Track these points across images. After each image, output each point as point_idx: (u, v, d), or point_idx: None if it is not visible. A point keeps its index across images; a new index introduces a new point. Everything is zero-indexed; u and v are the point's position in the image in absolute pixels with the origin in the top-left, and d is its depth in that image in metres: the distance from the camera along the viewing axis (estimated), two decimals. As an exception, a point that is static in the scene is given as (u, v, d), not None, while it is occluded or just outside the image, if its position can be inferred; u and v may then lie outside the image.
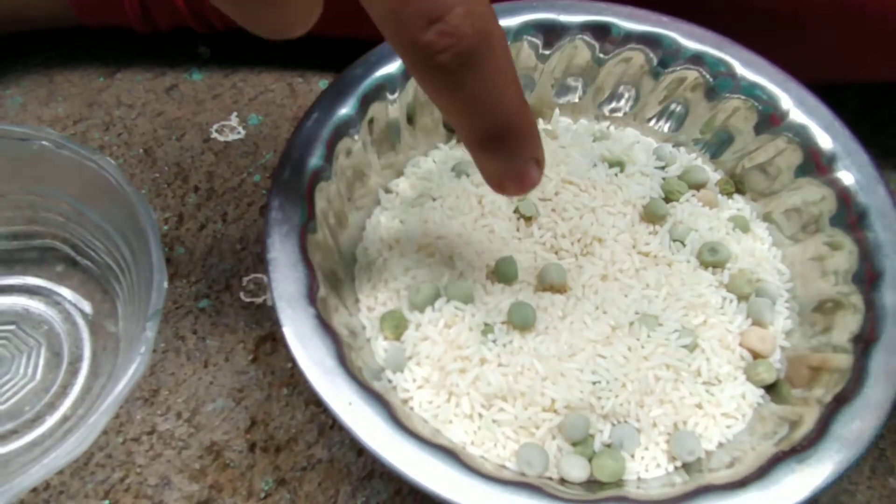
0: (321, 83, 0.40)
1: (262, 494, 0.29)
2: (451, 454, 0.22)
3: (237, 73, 0.40)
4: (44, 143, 0.29)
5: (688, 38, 0.31)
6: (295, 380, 0.31)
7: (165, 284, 0.26)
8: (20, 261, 0.32)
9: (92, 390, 0.30)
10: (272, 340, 0.32)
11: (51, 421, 0.29)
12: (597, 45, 0.32)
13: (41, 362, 0.30)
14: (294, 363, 0.24)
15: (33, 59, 0.39)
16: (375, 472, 0.29)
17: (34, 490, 0.28)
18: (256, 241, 0.35)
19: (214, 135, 0.37)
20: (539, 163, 0.22)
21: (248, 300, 0.33)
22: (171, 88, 0.39)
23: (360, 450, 0.30)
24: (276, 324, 0.32)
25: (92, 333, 0.31)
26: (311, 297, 0.25)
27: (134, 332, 0.28)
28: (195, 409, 0.30)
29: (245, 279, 0.33)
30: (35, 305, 0.32)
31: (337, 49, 0.40)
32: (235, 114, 0.38)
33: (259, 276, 0.34)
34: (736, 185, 0.32)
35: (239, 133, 0.38)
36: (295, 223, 0.26)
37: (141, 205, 0.28)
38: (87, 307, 0.32)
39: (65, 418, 0.29)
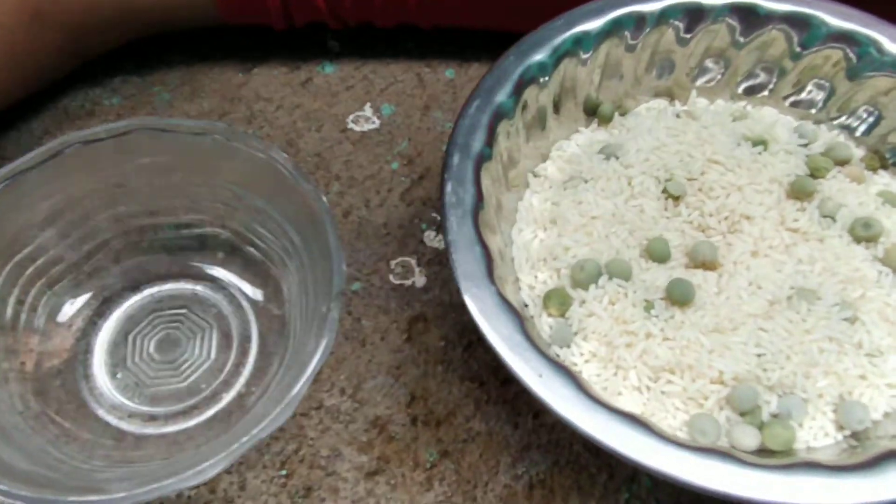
0: (448, 72, 0.41)
1: (428, 465, 0.30)
2: (644, 425, 0.23)
3: (367, 65, 0.41)
4: (216, 136, 0.31)
5: (834, 16, 0.31)
6: (448, 357, 0.33)
7: (345, 267, 0.28)
8: (184, 248, 0.34)
9: (264, 370, 0.32)
10: (424, 321, 0.34)
11: (227, 398, 0.31)
12: (738, 28, 0.32)
13: (214, 343, 0.32)
14: (481, 340, 0.25)
15: (175, 57, 0.41)
16: (532, 443, 0.31)
17: (217, 461, 0.30)
18: (399, 226, 0.36)
19: (351, 125, 0.39)
20: None
21: (397, 282, 0.35)
22: (305, 82, 0.41)
23: (516, 423, 0.31)
24: (424, 301, 0.33)
25: (257, 315, 0.33)
26: (491, 275, 0.26)
27: (310, 314, 0.29)
28: (357, 385, 0.32)
29: (392, 262, 0.35)
30: (202, 290, 0.34)
31: (459, 38, 0.41)
32: (369, 104, 0.40)
33: (406, 259, 0.35)
34: (881, 160, 0.32)
35: (374, 123, 0.39)
36: (468, 206, 0.27)
37: (314, 193, 0.29)
38: (249, 291, 0.33)
39: (240, 395, 0.31)
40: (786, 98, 0.34)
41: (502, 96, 0.30)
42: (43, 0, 0.35)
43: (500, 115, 0.30)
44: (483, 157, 0.28)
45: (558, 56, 0.31)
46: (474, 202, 0.27)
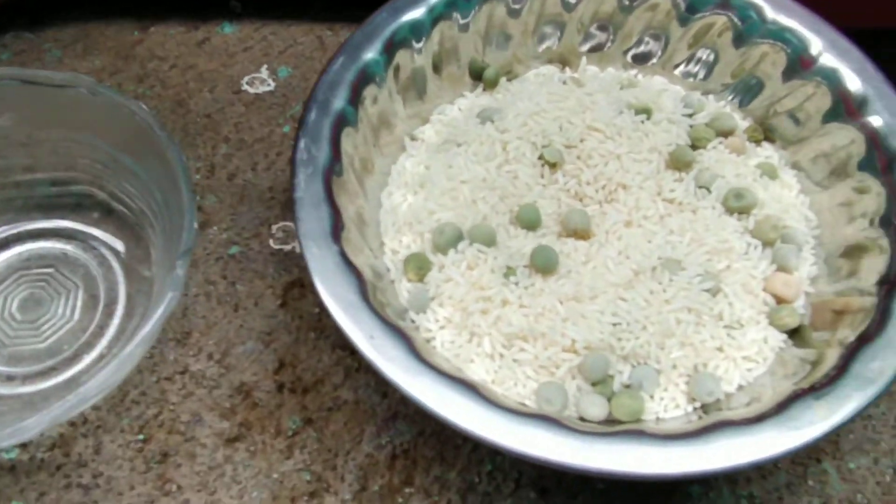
0: (350, 36, 0.40)
1: (290, 433, 0.30)
2: (471, 388, 0.23)
3: (267, 26, 0.40)
4: (80, 89, 0.30)
5: (716, -19, 0.30)
6: (322, 324, 0.32)
7: (195, 224, 0.27)
8: (58, 206, 0.33)
9: (126, 331, 0.31)
10: (300, 286, 0.33)
11: (87, 359, 0.31)
12: (624, -9, 0.31)
13: (79, 304, 0.31)
14: (318, 299, 0.24)
15: (70, 13, 0.40)
16: (399, 413, 0.30)
17: (73, 424, 0.29)
18: (285, 191, 0.35)
19: (245, 87, 0.38)
20: None
21: (276, 247, 0.34)
22: (202, 42, 0.39)
23: (384, 392, 0.30)
24: (302, 267, 0.33)
25: (126, 277, 0.32)
26: (336, 235, 0.25)
27: (166, 273, 0.28)
28: (225, 350, 0.31)
29: (274, 227, 0.34)
30: (72, 250, 0.33)
31: (366, 2, 0.40)
32: (265, 66, 0.39)
33: (288, 224, 0.34)
34: (765, 132, 0.31)
35: (269, 85, 0.38)
36: (320, 165, 0.26)
37: (172, 148, 0.28)
38: (122, 251, 0.32)
39: (101, 357, 0.31)
40: (677, 66, 0.33)
41: (371, 54, 0.29)
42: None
43: (367, 76, 0.29)
44: (345, 117, 0.28)
45: (434, 17, 0.30)
46: (329, 162, 0.27)
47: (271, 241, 0.34)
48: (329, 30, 0.40)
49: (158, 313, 0.25)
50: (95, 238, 0.33)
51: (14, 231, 0.33)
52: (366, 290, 0.24)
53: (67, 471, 0.29)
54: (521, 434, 0.22)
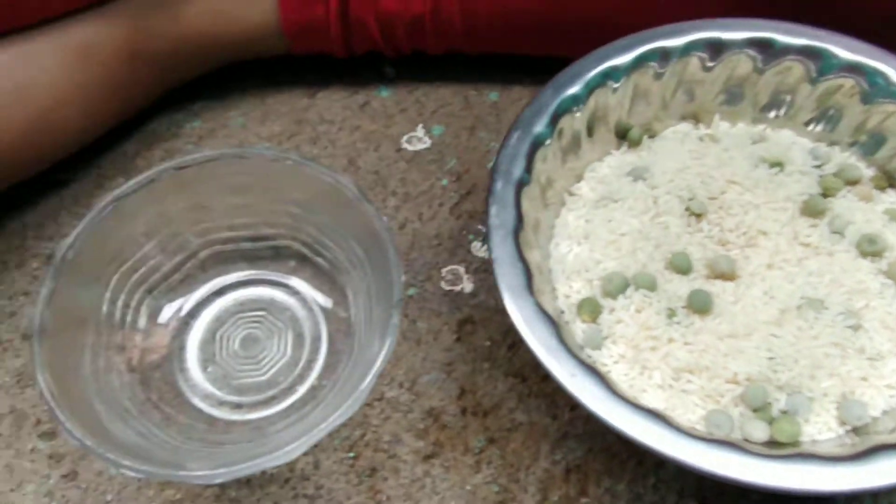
0: (492, 95, 0.45)
1: (477, 450, 0.35)
2: (660, 417, 0.27)
3: (419, 88, 0.45)
4: (288, 162, 0.36)
5: (844, 49, 0.34)
6: (494, 355, 0.37)
7: (402, 279, 0.32)
8: (259, 258, 0.39)
9: (333, 366, 0.36)
10: (471, 323, 0.38)
11: (301, 390, 0.36)
12: (759, 58, 0.35)
13: (289, 342, 0.37)
14: (522, 342, 0.29)
15: (248, 84, 0.46)
16: (569, 433, 0.35)
17: (295, 444, 0.35)
18: (449, 237, 0.40)
19: (405, 145, 0.43)
20: None
21: (447, 288, 0.39)
22: (364, 105, 0.45)
23: (555, 414, 0.35)
24: (472, 305, 0.37)
25: (326, 318, 0.38)
26: (531, 288, 0.30)
27: (373, 318, 0.34)
28: (414, 380, 0.37)
29: (443, 270, 0.39)
30: (279, 294, 0.38)
31: (503, 63, 0.45)
32: (421, 125, 0.44)
33: (455, 267, 0.39)
34: (888, 179, 0.35)
35: (425, 143, 0.43)
36: (509, 227, 0.31)
37: (375, 215, 0.34)
38: (318, 297, 0.38)
39: (313, 388, 0.36)
40: (804, 122, 0.37)
41: (540, 127, 0.34)
42: (139, 41, 0.40)
43: (537, 144, 0.33)
44: (522, 183, 0.32)
45: (590, 88, 0.35)
46: (515, 223, 0.31)
47: (442, 283, 0.39)
48: (473, 90, 0.45)
49: (382, 356, 0.31)
50: (295, 285, 0.38)
51: (228, 280, 0.39)
52: (560, 333, 0.29)
53: (294, 483, 0.34)
54: (711, 456, 0.26)
